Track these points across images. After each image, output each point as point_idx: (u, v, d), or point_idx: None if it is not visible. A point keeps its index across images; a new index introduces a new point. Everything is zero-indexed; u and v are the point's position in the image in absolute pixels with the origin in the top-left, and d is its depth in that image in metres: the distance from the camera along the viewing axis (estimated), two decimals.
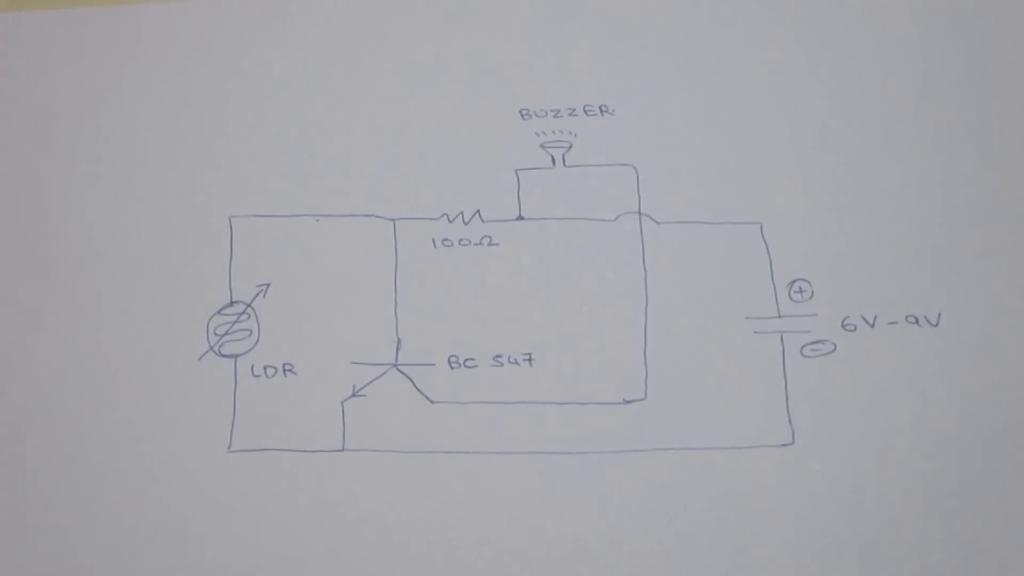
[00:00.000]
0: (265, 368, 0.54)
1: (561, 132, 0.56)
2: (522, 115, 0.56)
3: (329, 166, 0.56)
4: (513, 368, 0.53)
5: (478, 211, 0.55)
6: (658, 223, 0.55)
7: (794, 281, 0.54)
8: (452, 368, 0.53)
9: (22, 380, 0.54)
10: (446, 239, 0.55)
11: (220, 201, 0.56)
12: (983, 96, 0.55)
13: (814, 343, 0.53)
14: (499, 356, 0.53)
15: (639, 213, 0.55)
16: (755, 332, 0.53)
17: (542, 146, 0.56)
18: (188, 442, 0.53)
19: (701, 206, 0.55)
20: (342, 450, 0.53)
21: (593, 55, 0.57)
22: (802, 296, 0.53)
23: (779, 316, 0.53)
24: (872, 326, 0.53)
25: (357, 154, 0.56)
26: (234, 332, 0.54)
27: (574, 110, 0.56)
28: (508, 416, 0.53)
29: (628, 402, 0.53)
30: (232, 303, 0.55)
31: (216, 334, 0.54)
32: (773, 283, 0.54)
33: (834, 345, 0.53)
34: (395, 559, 0.52)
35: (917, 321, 0.53)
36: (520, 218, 0.55)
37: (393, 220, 0.55)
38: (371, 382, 0.53)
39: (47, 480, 0.53)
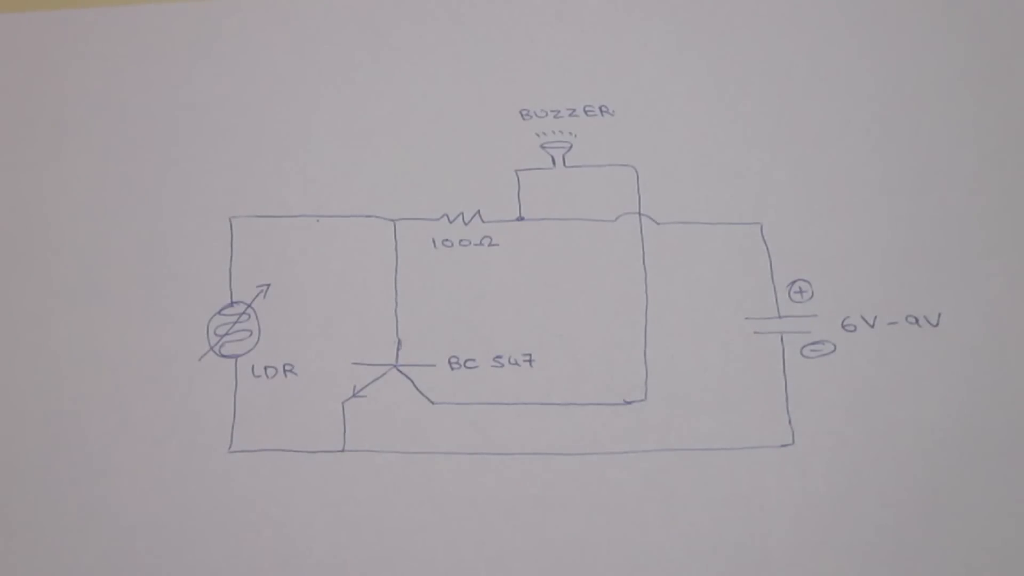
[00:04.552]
0: (265, 368, 0.54)
1: (561, 132, 0.56)
2: (522, 115, 0.56)
3: (329, 166, 0.56)
4: (513, 368, 0.53)
5: (478, 211, 0.55)
6: (658, 223, 0.55)
7: (794, 281, 0.54)
8: (452, 369, 0.53)
9: (22, 380, 0.54)
10: (446, 239, 0.55)
11: (220, 201, 0.56)
12: (983, 96, 0.55)
13: (814, 343, 0.53)
14: (499, 357, 0.53)
15: (639, 213, 0.55)
16: (755, 332, 0.53)
17: (542, 146, 0.56)
18: (188, 442, 0.53)
19: (701, 206, 0.55)
20: (342, 451, 0.53)
21: (593, 55, 0.57)
22: (802, 296, 0.53)
23: (779, 316, 0.53)
24: (872, 326, 0.53)
25: (357, 154, 0.56)
26: (234, 332, 0.54)
27: (574, 110, 0.56)
28: (508, 417, 0.53)
29: (628, 403, 0.53)
30: (232, 303, 0.55)
31: (216, 334, 0.54)
32: (773, 283, 0.54)
33: (834, 345, 0.53)
34: (395, 559, 0.52)
35: (917, 321, 0.53)
36: (520, 218, 0.55)
37: (393, 220, 0.55)
38: (371, 383, 0.53)
39: (47, 480, 0.53)
